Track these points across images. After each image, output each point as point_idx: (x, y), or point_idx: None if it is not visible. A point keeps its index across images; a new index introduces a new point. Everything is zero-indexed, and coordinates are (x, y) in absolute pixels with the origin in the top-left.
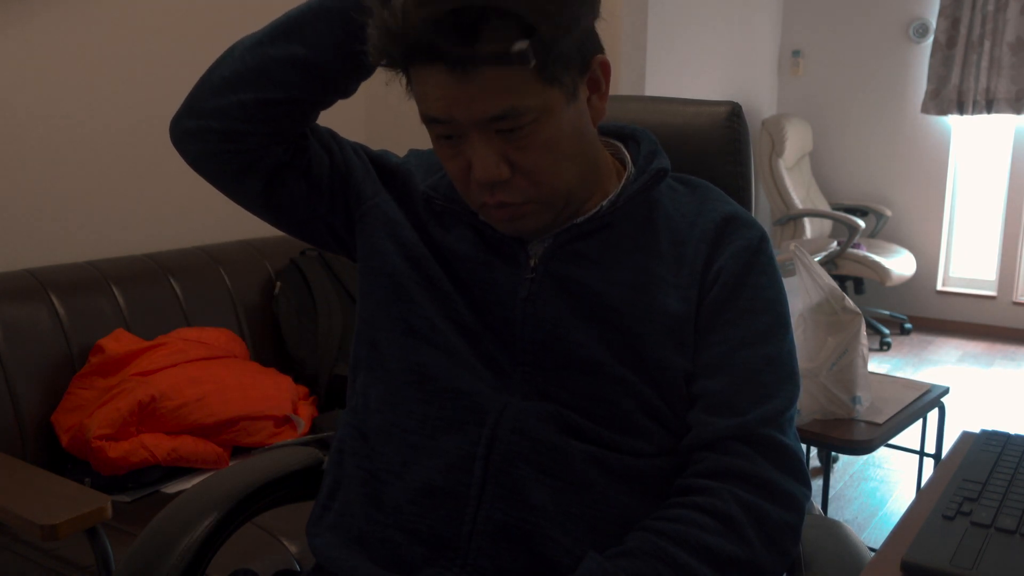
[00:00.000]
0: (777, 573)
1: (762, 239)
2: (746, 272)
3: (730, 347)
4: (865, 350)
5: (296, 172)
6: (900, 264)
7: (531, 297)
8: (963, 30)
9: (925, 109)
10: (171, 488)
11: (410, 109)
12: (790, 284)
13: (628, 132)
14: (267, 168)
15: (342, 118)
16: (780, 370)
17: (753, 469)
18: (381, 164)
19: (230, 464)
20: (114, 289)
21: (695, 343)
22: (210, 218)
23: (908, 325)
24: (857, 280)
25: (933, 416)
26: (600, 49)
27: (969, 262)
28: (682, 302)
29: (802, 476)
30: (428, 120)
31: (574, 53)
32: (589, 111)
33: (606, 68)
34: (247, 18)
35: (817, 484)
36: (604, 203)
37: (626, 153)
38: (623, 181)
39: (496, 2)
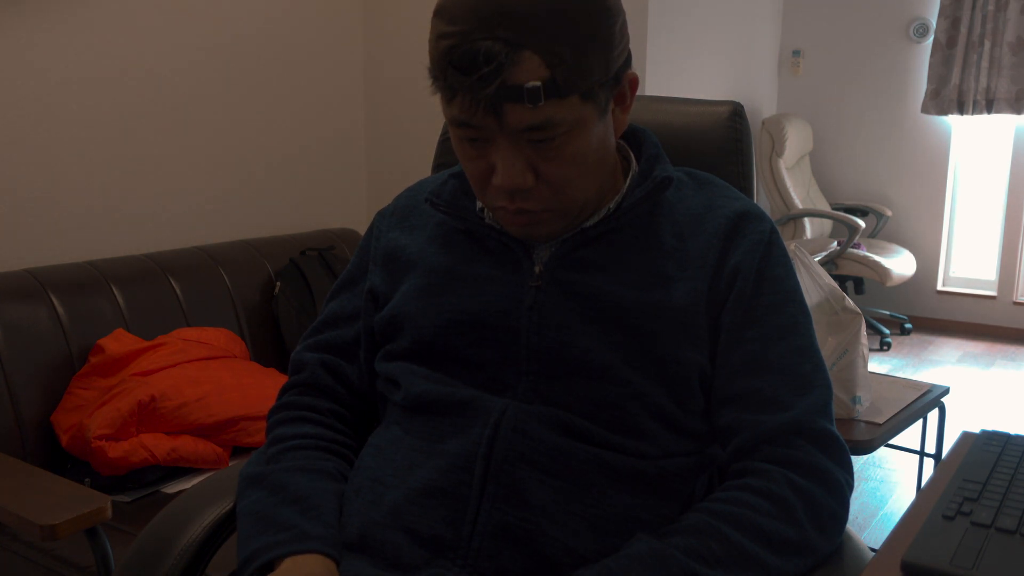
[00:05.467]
0: (825, 555)
1: (772, 231)
2: (764, 266)
3: (762, 344)
4: (865, 350)
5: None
6: (900, 264)
7: (537, 305)
8: (963, 30)
9: (925, 109)
10: (171, 488)
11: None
12: None
13: (630, 129)
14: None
15: (343, 120)
16: (814, 357)
17: (808, 458)
18: (364, 272)
19: (230, 464)
20: (114, 289)
21: (722, 342)
22: (210, 218)
23: (908, 325)
24: (857, 280)
25: (933, 416)
26: (630, 64)
27: (969, 262)
28: (689, 295)
29: (849, 466)
30: (456, 124)
31: (608, 72)
32: (612, 123)
33: (634, 83)
34: (246, 20)
35: None
36: (612, 205)
37: (629, 151)
38: (628, 182)
39: (511, 42)
